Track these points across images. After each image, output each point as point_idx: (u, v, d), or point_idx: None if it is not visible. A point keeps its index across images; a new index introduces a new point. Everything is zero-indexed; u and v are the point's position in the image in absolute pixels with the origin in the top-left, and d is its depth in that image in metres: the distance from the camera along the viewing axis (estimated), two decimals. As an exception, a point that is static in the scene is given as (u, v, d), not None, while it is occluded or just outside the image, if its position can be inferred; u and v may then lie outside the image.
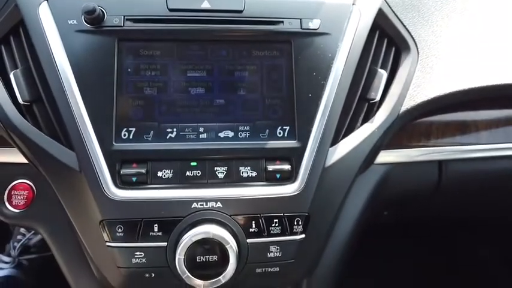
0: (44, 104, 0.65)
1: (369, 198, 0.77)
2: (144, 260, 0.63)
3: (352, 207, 0.75)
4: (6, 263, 1.21)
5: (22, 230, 1.31)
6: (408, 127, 0.78)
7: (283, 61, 0.69)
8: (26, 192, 0.70)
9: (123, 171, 0.63)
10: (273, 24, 0.69)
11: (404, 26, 0.75)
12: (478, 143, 0.81)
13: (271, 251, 0.66)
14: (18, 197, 0.69)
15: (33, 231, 1.29)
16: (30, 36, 0.65)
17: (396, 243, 1.38)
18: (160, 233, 0.63)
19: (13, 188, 0.70)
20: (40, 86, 0.65)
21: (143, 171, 0.64)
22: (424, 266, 1.41)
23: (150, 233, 0.63)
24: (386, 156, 0.77)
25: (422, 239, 1.41)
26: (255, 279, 0.67)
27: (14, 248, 1.25)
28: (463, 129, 0.81)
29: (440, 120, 0.81)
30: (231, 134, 0.67)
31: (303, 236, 0.66)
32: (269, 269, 0.67)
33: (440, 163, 0.81)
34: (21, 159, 0.69)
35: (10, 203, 0.69)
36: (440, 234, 1.40)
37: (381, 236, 1.15)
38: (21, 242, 1.26)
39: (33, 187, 0.70)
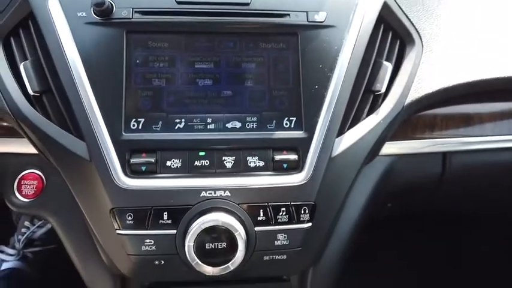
0: (54, 94, 0.66)
1: (374, 189, 0.78)
2: (153, 247, 0.65)
3: (357, 197, 0.76)
4: (10, 255, 1.22)
5: (26, 223, 1.32)
6: (413, 119, 0.78)
7: (290, 53, 0.70)
8: (35, 182, 0.70)
9: (132, 161, 0.64)
10: (280, 17, 0.70)
11: (409, 19, 0.76)
12: (483, 134, 0.81)
13: (279, 239, 0.67)
14: (28, 186, 0.70)
15: (37, 225, 1.31)
16: (40, 28, 0.66)
17: (398, 236, 1.39)
18: (169, 221, 0.64)
19: (23, 177, 0.71)
20: (50, 77, 0.66)
21: (152, 160, 0.65)
22: (426, 259, 1.42)
23: (160, 221, 0.64)
24: (391, 148, 0.78)
25: (424, 233, 1.42)
26: (262, 267, 0.68)
27: (19, 241, 1.27)
28: (467, 121, 0.82)
29: (445, 113, 0.81)
30: (238, 124, 0.68)
31: (310, 224, 0.68)
32: (276, 257, 0.68)
33: (444, 155, 0.82)
34: (31, 149, 0.70)
35: (20, 193, 0.70)
36: (442, 228, 1.41)
37: (383, 228, 1.16)
38: (26, 235, 1.27)
39: (43, 177, 0.71)
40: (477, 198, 0.97)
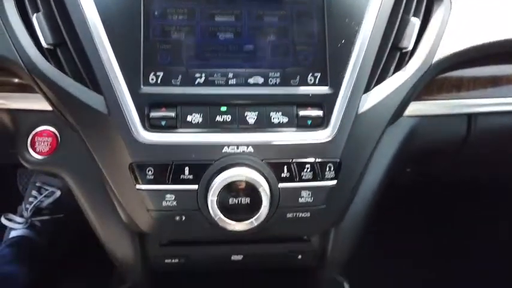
0: (69, 47, 0.63)
1: (398, 150, 0.75)
2: (174, 203, 0.63)
3: (381, 158, 0.74)
4: (19, 223, 1.21)
5: (34, 192, 1.30)
6: (439, 79, 0.76)
7: (315, 6, 0.66)
8: (49, 139, 0.68)
9: (152, 115, 0.62)
10: None
11: None
12: (509, 96, 0.79)
13: (303, 196, 0.65)
14: (42, 143, 0.68)
15: (44, 194, 1.29)
16: None
17: (412, 208, 1.38)
18: (191, 176, 0.62)
19: (37, 134, 0.68)
20: (64, 29, 0.63)
21: (172, 115, 0.62)
22: (440, 231, 1.41)
23: (181, 176, 0.62)
24: (415, 109, 0.75)
25: (438, 204, 1.41)
26: (285, 225, 0.67)
27: (26, 209, 1.25)
28: (495, 82, 0.79)
29: (472, 73, 0.78)
30: (260, 80, 0.65)
31: (335, 182, 0.66)
32: (300, 214, 0.66)
33: (469, 116, 0.79)
34: (44, 106, 0.67)
35: (34, 150, 0.68)
36: (459, 199, 1.40)
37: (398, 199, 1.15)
38: (33, 203, 1.26)
39: (58, 134, 0.68)
40: (499, 163, 0.95)
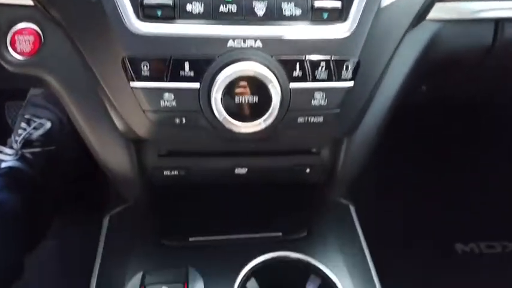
0: None
1: (418, 57, 0.68)
2: (174, 102, 0.56)
3: (401, 64, 0.67)
4: (9, 155, 1.15)
5: (23, 124, 1.24)
6: None
7: None
8: (31, 38, 0.60)
9: (146, 2, 0.53)
10: None
11: None
12: None
13: (316, 98, 0.58)
14: (23, 42, 0.60)
15: (33, 126, 1.23)
16: None
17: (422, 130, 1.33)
18: (191, 73, 0.55)
19: (17, 32, 0.60)
20: None
21: (169, 2, 0.54)
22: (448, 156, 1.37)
23: (181, 73, 0.54)
24: (439, 12, 0.68)
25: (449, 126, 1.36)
26: (295, 130, 0.60)
27: (16, 141, 1.19)
28: None
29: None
30: None
31: (352, 83, 0.59)
32: (312, 119, 0.59)
33: (496, 22, 0.72)
34: (24, 0, 0.59)
35: (14, 49, 0.60)
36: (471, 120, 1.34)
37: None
38: (23, 135, 1.20)
39: (40, 33, 0.60)
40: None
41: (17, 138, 1.20)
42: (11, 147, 1.18)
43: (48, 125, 1.23)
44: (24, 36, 0.60)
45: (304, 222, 0.75)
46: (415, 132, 1.34)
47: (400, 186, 1.33)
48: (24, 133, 1.20)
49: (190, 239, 0.70)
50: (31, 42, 0.60)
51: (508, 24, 0.73)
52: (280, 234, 0.72)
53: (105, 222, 0.74)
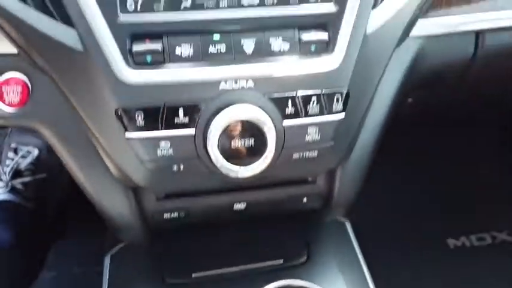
0: None
1: (405, 75, 0.70)
2: (170, 151, 0.56)
3: (388, 85, 0.68)
4: (-1, 187, 1.13)
5: (10, 154, 1.22)
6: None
7: None
8: (19, 88, 0.59)
9: (135, 49, 0.53)
10: None
11: None
12: None
13: (309, 134, 0.59)
14: (11, 93, 0.59)
15: (20, 155, 1.21)
16: None
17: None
18: (186, 119, 0.55)
19: (3, 83, 0.59)
20: None
21: (158, 48, 0.53)
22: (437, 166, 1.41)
23: (175, 120, 0.55)
24: (422, 28, 0.69)
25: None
26: (290, 166, 0.61)
27: (5, 173, 1.17)
28: None
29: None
30: (256, 0, 0.57)
31: (343, 114, 0.60)
32: (307, 154, 0.60)
33: (477, 34, 0.74)
34: (8, 48, 0.57)
35: (3, 101, 0.59)
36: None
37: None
38: (11, 165, 1.18)
39: (28, 81, 0.59)
40: (508, 81, 0.90)
41: (5, 169, 1.18)
42: (0, 180, 1.16)
43: (36, 152, 1.22)
44: (11, 86, 0.59)
45: (303, 246, 0.76)
46: (404, 132, 1.36)
47: (389, 186, 1.36)
48: (12, 163, 1.18)
49: (194, 275, 0.70)
50: (19, 93, 0.59)
51: (488, 35, 0.75)
52: (282, 261, 0.73)
53: (107, 261, 0.74)
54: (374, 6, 0.59)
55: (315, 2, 0.57)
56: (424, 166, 1.43)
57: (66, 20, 0.53)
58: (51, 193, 1.21)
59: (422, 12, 0.66)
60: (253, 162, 0.56)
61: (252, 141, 0.55)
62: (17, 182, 1.15)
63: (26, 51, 0.57)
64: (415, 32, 0.69)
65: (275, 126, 0.56)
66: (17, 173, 1.17)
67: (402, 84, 0.70)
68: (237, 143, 0.55)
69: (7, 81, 0.59)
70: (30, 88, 0.59)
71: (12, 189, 1.14)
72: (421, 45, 0.70)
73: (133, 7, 0.54)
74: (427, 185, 1.41)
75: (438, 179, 1.42)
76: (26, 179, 1.17)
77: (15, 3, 0.53)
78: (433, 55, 0.72)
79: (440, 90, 0.87)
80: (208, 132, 0.54)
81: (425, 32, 0.70)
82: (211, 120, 0.54)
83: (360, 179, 0.74)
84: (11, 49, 0.58)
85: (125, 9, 0.53)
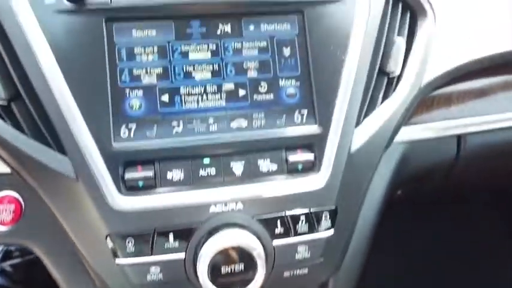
0: (25, 101, 0.55)
1: (390, 180, 0.72)
2: (160, 275, 0.56)
3: (375, 192, 0.70)
4: (-12, 271, 1.12)
5: None
6: (428, 97, 0.72)
7: (296, 35, 0.61)
8: (12, 206, 0.60)
9: (127, 176, 0.55)
10: None
11: None
12: (498, 112, 0.76)
13: (299, 252, 0.59)
14: (4, 212, 0.59)
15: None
16: (0, 21, 0.55)
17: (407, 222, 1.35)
18: (176, 244, 0.56)
19: (-4, 202, 0.60)
20: (18, 81, 0.55)
21: (150, 174, 0.55)
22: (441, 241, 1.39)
23: (165, 245, 0.55)
24: (405, 134, 0.72)
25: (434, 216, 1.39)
26: (281, 283, 0.61)
27: (-5, 255, 1.16)
28: (484, 94, 0.77)
29: (461, 88, 0.76)
30: (244, 123, 0.59)
31: (332, 231, 0.61)
32: (297, 271, 0.61)
33: (458, 137, 0.77)
34: (2, 168, 0.59)
35: (-5, 220, 0.60)
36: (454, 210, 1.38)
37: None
38: (1, 248, 1.17)
39: (21, 200, 0.60)
40: (492, 177, 0.93)
41: (-5, 251, 1.17)
42: (-10, 262, 1.15)
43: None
44: (4, 205, 0.60)
45: None
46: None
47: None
48: (1, 245, 1.17)
49: None
50: (12, 211, 0.60)
51: (470, 137, 0.77)
52: None
53: None
54: (357, 124, 0.62)
55: (300, 124, 0.60)
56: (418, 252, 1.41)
57: (60, 147, 0.55)
58: (41, 274, 1.19)
59: (404, 121, 0.69)
60: (243, 284, 0.56)
61: (242, 266, 0.55)
62: (7, 265, 1.14)
63: (19, 173, 0.58)
64: (399, 137, 0.71)
65: (265, 248, 0.57)
66: (6, 255, 1.16)
67: (388, 189, 0.72)
68: (227, 269, 0.55)
69: (1, 200, 0.60)
70: (23, 207, 0.60)
71: (2, 272, 1.13)
72: (405, 150, 0.73)
73: (126, 134, 0.56)
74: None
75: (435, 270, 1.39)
76: (16, 261, 1.16)
77: (11, 131, 0.55)
78: (418, 158, 0.75)
79: (428, 184, 0.88)
80: (198, 257, 0.55)
81: (408, 138, 0.73)
82: (201, 246, 0.55)
83: (354, 280, 0.73)
84: (5, 169, 0.59)
85: (118, 137, 0.55)
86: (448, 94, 0.75)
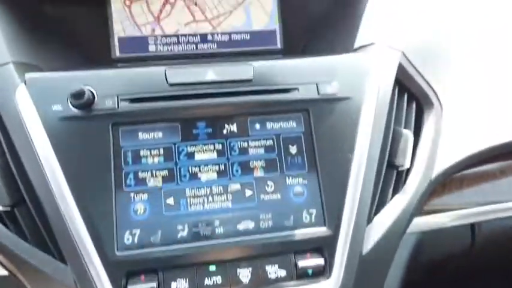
0: (28, 207, 0.54)
1: (404, 270, 0.69)
2: None
3: (389, 284, 0.67)
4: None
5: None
6: (439, 185, 0.71)
7: (302, 132, 0.61)
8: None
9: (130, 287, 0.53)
10: (287, 92, 0.61)
11: (425, 79, 0.68)
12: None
13: None
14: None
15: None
16: (6, 127, 0.55)
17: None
18: None
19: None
20: (22, 186, 0.55)
21: (154, 285, 0.53)
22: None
23: None
24: (418, 223, 0.70)
25: None
26: None
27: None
28: (494, 180, 0.75)
29: (471, 173, 0.74)
30: (251, 224, 0.57)
31: None
32: None
33: (472, 225, 0.75)
34: (2, 270, 0.58)
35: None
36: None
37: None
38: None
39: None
40: (506, 258, 0.90)
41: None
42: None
43: None
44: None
45: None
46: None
47: None
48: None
49: None
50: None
51: (484, 225, 0.75)
52: None
53: None
54: (368, 222, 0.60)
55: (309, 225, 0.58)
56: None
57: (61, 256, 0.53)
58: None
59: (416, 214, 0.67)
60: None
61: None
62: None
63: (17, 277, 0.56)
64: (411, 228, 0.69)
65: None
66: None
67: (402, 279, 0.69)
68: None
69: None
70: None
71: None
72: (419, 240, 0.71)
73: (130, 241, 0.54)
74: None
75: None
76: None
77: (13, 238, 0.54)
78: (432, 247, 0.73)
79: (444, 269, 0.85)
80: None
81: (421, 228, 0.71)
82: None
83: None
84: (2, 271, 0.58)
85: (122, 245, 0.54)
86: (460, 179, 0.74)
